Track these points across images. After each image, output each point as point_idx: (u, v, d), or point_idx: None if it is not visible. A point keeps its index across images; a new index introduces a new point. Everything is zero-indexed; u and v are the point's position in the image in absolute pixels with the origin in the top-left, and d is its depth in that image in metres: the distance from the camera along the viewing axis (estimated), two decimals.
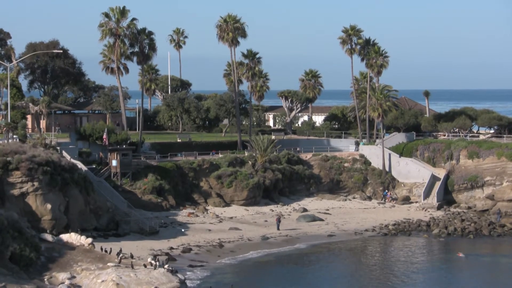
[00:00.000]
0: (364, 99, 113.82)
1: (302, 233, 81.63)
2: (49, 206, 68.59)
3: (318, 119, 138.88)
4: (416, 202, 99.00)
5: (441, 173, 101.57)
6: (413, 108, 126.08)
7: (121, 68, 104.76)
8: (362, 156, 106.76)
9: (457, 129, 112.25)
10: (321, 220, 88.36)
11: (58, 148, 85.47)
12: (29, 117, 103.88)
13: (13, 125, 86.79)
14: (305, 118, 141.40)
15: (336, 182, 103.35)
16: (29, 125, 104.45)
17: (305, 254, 73.54)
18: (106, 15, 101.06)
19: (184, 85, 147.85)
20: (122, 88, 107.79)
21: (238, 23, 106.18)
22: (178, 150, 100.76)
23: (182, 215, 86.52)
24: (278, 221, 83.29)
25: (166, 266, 56.16)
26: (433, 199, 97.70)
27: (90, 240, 61.28)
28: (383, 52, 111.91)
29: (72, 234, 62.17)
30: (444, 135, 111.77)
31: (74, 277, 53.88)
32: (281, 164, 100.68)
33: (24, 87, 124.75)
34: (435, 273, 67.75)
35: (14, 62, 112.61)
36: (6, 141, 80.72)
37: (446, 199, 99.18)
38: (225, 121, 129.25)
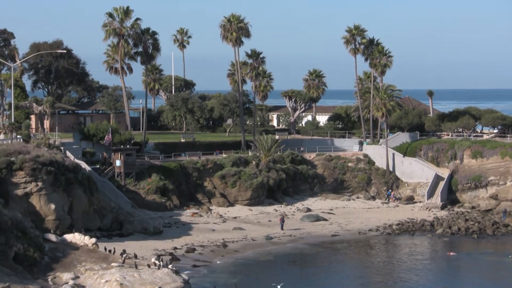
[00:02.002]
0: (368, 99, 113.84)
1: (306, 233, 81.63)
2: (53, 206, 68.65)
3: (322, 119, 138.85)
4: (420, 201, 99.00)
5: (444, 172, 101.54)
6: (417, 107, 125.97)
7: (125, 68, 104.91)
8: (366, 156, 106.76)
9: (461, 129, 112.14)
10: (325, 220, 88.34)
11: (62, 148, 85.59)
12: (32, 117, 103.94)
13: (17, 125, 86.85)
14: (309, 118, 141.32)
15: (340, 182, 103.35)
16: (33, 125, 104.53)
17: (309, 254, 73.53)
18: (110, 15, 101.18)
19: (188, 85, 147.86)
20: (126, 88, 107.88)
21: (242, 23, 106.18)
22: (182, 150, 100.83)
23: (186, 215, 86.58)
24: (282, 221, 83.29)
25: (170, 266, 56.19)
26: (437, 199, 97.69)
27: (94, 240, 61.31)
28: (387, 52, 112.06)
29: (76, 234, 62.22)
30: (448, 135, 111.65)
31: (78, 277, 53.94)
32: (285, 164, 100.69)
33: (28, 87, 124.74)
34: (437, 272, 67.71)
35: (18, 62, 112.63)
36: (10, 141, 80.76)
37: (450, 198, 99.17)
38: (229, 121, 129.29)
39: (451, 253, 74.21)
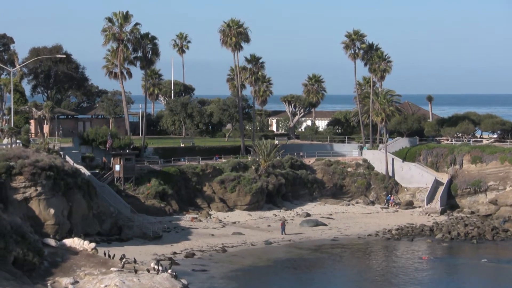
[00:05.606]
0: (367, 104, 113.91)
1: (305, 238, 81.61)
2: (52, 211, 68.63)
3: (321, 124, 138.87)
4: (419, 207, 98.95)
5: (444, 178, 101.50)
6: (416, 112, 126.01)
7: (124, 72, 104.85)
8: (365, 161, 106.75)
9: (460, 134, 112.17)
10: (324, 225, 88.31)
11: (61, 153, 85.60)
12: (32, 122, 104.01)
13: (16, 129, 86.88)
14: (308, 122, 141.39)
15: (339, 187, 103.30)
16: (32, 130, 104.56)
17: (308, 259, 73.46)
18: (110, 20, 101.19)
19: (187, 89, 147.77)
20: (125, 93, 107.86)
21: (241, 27, 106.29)
22: (181, 155, 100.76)
23: (185, 220, 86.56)
24: (283, 225, 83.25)
25: (169, 271, 56.13)
26: (436, 204, 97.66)
27: (93, 245, 61.21)
28: (386, 57, 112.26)
29: (75, 239, 62.12)
30: (447, 140, 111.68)
31: (77, 282, 53.82)
32: (284, 168, 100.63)
33: (27, 92, 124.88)
34: (436, 277, 67.66)
35: (18, 67, 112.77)
36: (9, 146, 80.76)
37: (449, 204, 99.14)
38: (228, 126, 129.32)
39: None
